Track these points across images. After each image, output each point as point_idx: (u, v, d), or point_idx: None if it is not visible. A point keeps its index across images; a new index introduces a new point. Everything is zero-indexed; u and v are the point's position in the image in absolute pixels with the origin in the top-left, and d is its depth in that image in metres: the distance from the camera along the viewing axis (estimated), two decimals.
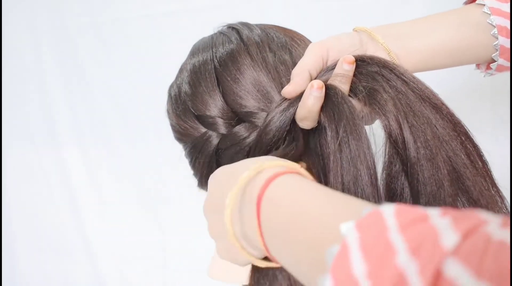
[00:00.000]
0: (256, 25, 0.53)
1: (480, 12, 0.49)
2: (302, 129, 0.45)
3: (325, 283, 0.24)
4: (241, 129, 0.47)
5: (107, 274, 1.09)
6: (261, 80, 0.47)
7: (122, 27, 1.01)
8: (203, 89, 0.49)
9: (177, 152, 0.54)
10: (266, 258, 0.38)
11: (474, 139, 0.42)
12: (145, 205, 1.06)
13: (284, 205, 0.33)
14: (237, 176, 0.37)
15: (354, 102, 0.43)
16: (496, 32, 0.48)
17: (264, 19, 0.58)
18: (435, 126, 0.41)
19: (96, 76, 1.05)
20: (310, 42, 0.53)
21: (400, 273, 0.21)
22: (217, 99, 0.48)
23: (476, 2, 0.50)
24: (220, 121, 0.48)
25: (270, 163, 0.36)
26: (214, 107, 0.48)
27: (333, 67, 0.45)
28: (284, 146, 0.45)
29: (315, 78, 0.45)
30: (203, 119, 0.49)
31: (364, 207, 0.28)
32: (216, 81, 0.48)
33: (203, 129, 0.49)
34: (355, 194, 0.39)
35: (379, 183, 0.41)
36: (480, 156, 0.42)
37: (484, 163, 0.42)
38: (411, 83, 0.42)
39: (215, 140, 0.48)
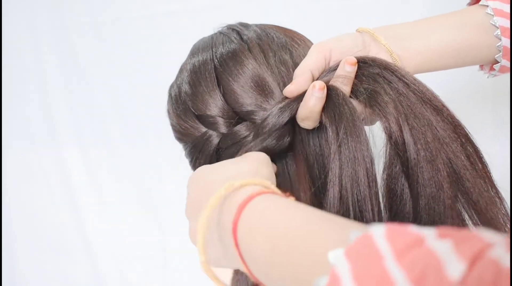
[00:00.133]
0: (256, 25, 0.53)
1: (483, 13, 0.49)
2: (301, 129, 0.45)
3: None
4: (241, 128, 0.47)
5: (107, 274, 1.09)
6: (263, 79, 0.47)
7: (122, 27, 1.01)
8: (203, 88, 0.49)
9: (177, 152, 0.54)
10: None
11: (474, 141, 0.42)
12: (145, 205, 1.06)
13: (262, 232, 0.30)
14: (210, 190, 0.36)
15: (355, 103, 0.44)
16: (499, 33, 0.48)
17: (264, 19, 0.58)
18: (435, 128, 0.41)
19: (96, 76, 1.05)
20: (311, 42, 0.53)
21: None
22: (217, 98, 0.48)
23: (480, 3, 0.50)
24: (220, 121, 0.48)
25: (241, 182, 0.35)
26: (215, 106, 0.48)
27: (335, 68, 0.45)
28: (273, 138, 0.45)
29: (317, 79, 0.46)
30: (203, 119, 0.49)
31: (350, 229, 0.26)
32: (216, 80, 0.48)
33: (204, 129, 0.49)
34: (352, 195, 0.39)
35: (378, 185, 0.41)
36: (480, 158, 0.42)
37: (484, 165, 0.42)
38: (412, 85, 0.42)
39: (215, 139, 0.48)
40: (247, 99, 0.47)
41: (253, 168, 0.39)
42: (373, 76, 0.44)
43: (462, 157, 0.41)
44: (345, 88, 0.44)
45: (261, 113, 0.46)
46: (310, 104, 0.42)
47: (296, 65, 0.48)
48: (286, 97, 0.45)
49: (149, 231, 1.06)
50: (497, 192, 0.42)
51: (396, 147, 0.41)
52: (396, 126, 0.41)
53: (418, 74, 0.47)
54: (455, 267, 0.20)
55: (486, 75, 0.55)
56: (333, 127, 0.41)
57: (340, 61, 0.45)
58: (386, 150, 0.42)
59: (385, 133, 0.42)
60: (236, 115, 0.47)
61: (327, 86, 0.43)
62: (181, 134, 0.51)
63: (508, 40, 0.48)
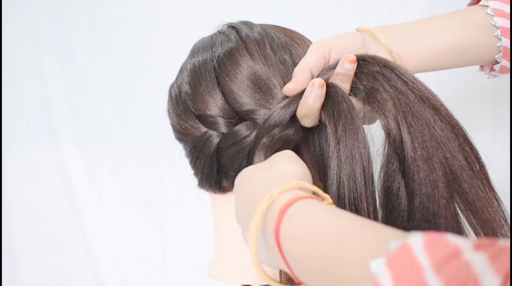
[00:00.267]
0: (256, 24, 0.53)
1: (483, 13, 0.49)
2: (303, 127, 0.45)
3: None
4: (242, 128, 0.47)
5: (107, 274, 1.09)
6: (261, 76, 0.47)
7: (122, 27, 1.01)
8: (203, 88, 0.49)
9: (177, 152, 0.54)
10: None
11: (472, 141, 0.42)
12: (145, 205, 1.06)
13: (303, 240, 0.31)
14: (253, 200, 0.36)
15: (355, 101, 0.44)
16: (499, 33, 0.48)
17: (264, 19, 0.58)
18: (433, 127, 0.41)
19: (96, 76, 1.05)
20: (310, 42, 0.54)
21: None
22: (217, 98, 0.48)
23: (480, 3, 0.50)
24: (220, 120, 0.48)
25: (278, 191, 0.35)
26: (215, 106, 0.48)
27: (334, 66, 0.45)
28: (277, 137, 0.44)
29: (316, 77, 0.46)
30: (203, 119, 0.49)
31: (390, 237, 0.26)
32: (216, 80, 0.48)
33: (204, 129, 0.49)
34: (349, 193, 0.39)
35: (374, 183, 0.41)
36: (478, 158, 0.42)
37: (482, 165, 0.42)
38: (411, 83, 0.43)
39: (215, 139, 0.48)
40: (246, 99, 0.47)
41: (288, 169, 0.39)
42: (372, 73, 0.44)
43: (460, 157, 0.41)
44: (345, 85, 0.44)
45: (262, 112, 0.46)
46: (309, 102, 0.42)
47: (295, 65, 0.48)
48: (286, 96, 0.45)
49: (149, 231, 1.06)
50: (494, 194, 0.41)
51: (394, 144, 0.41)
52: (395, 124, 0.41)
53: (417, 74, 0.47)
54: (490, 282, 0.20)
55: (486, 76, 0.55)
56: (332, 125, 0.41)
57: (340, 59, 0.45)
58: (384, 147, 0.43)
59: (384, 130, 0.42)
60: (236, 115, 0.47)
61: (326, 83, 0.43)
62: (181, 134, 0.51)
63: (508, 41, 0.48)
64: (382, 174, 0.43)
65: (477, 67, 0.55)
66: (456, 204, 0.41)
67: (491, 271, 0.21)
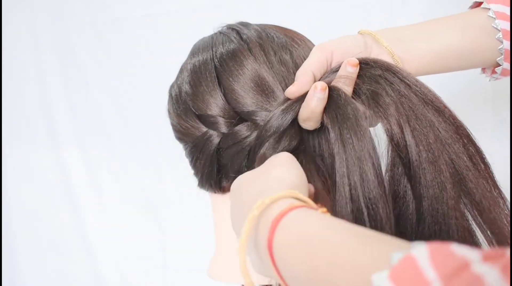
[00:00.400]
0: (256, 25, 0.53)
1: (485, 16, 0.49)
2: (303, 130, 0.45)
3: None
4: (242, 128, 0.47)
5: (107, 274, 1.09)
6: (264, 79, 0.47)
7: (122, 27, 1.01)
8: (203, 88, 0.49)
9: (177, 152, 0.54)
10: None
11: (476, 142, 0.42)
12: (145, 205, 1.06)
13: (298, 252, 0.30)
14: (245, 206, 0.36)
15: (357, 104, 0.43)
16: (501, 36, 0.48)
17: (264, 19, 0.58)
18: (437, 129, 0.41)
19: (96, 76, 1.05)
20: (311, 42, 0.53)
21: None
22: (218, 98, 0.48)
23: (481, 6, 0.50)
24: (221, 120, 0.48)
25: (271, 199, 0.34)
26: (215, 106, 0.48)
27: (337, 69, 0.45)
28: (278, 141, 0.44)
29: (319, 80, 0.46)
30: (204, 119, 0.49)
31: (392, 248, 0.25)
32: (216, 80, 0.48)
33: (204, 129, 0.49)
34: (363, 194, 0.38)
35: (385, 182, 0.40)
36: (483, 158, 0.42)
37: (486, 165, 0.42)
38: (414, 86, 0.42)
39: (216, 139, 0.48)
40: (248, 100, 0.47)
41: (283, 175, 0.39)
42: (374, 77, 0.44)
43: (465, 158, 0.41)
44: (347, 88, 0.44)
45: (263, 114, 0.46)
46: (311, 105, 0.42)
47: (296, 65, 0.48)
48: (288, 98, 0.45)
49: (149, 231, 1.06)
50: (500, 192, 0.42)
51: (398, 148, 0.41)
52: (398, 128, 0.41)
53: (420, 77, 0.47)
54: None
55: (487, 79, 0.55)
56: (336, 128, 0.41)
57: (342, 62, 0.45)
58: (388, 152, 0.42)
59: (387, 135, 0.42)
60: (237, 115, 0.47)
61: (328, 87, 0.43)
62: (182, 134, 0.51)
63: (510, 43, 0.48)
64: (388, 178, 0.42)
65: (478, 69, 0.55)
66: (463, 205, 0.41)
67: (504, 284, 0.20)
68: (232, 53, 0.49)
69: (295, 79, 0.45)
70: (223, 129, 0.48)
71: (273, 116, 0.44)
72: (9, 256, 1.13)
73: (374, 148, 0.40)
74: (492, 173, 0.42)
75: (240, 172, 0.46)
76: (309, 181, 0.43)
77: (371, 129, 0.42)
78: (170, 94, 0.54)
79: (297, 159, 0.43)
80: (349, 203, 0.39)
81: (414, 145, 0.40)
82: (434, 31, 0.49)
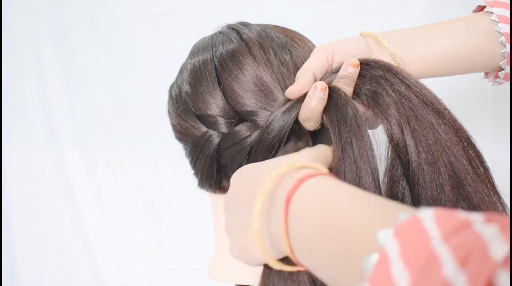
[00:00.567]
0: (256, 25, 0.53)
1: (488, 20, 0.49)
2: (305, 130, 0.45)
3: None
4: (242, 128, 0.47)
5: (107, 274, 1.09)
6: (264, 79, 0.47)
7: (121, 27, 1.01)
8: (203, 88, 0.49)
9: (177, 152, 0.54)
10: (281, 261, 0.37)
11: (476, 145, 0.42)
12: (145, 205, 1.06)
13: (316, 207, 0.31)
14: (265, 174, 0.36)
15: (357, 105, 0.43)
16: (504, 40, 0.48)
17: (264, 19, 0.58)
18: (437, 131, 0.41)
19: (96, 76, 1.05)
20: (311, 42, 0.53)
21: (447, 284, 0.21)
22: (218, 98, 0.48)
23: (485, 10, 0.50)
24: (221, 120, 0.48)
25: (302, 164, 0.36)
26: (215, 106, 0.48)
27: (337, 70, 0.45)
28: (285, 144, 0.45)
29: (319, 80, 0.46)
30: (204, 119, 0.49)
31: (400, 212, 0.27)
32: (217, 80, 0.48)
33: (204, 129, 0.49)
34: None
35: (381, 184, 0.41)
36: (482, 162, 0.41)
37: (486, 169, 0.41)
38: (415, 87, 0.42)
39: (216, 139, 0.48)
40: (248, 100, 0.47)
41: (305, 156, 0.39)
42: (375, 78, 0.44)
43: (464, 161, 0.40)
44: (348, 89, 0.44)
45: (263, 114, 0.46)
46: (311, 105, 0.42)
47: (296, 65, 0.48)
48: (288, 99, 0.45)
49: (149, 231, 1.06)
50: (499, 197, 0.41)
51: (397, 149, 0.41)
52: (398, 128, 0.41)
53: (420, 79, 0.47)
54: (498, 248, 0.21)
55: (490, 83, 0.54)
56: (335, 128, 0.41)
57: (343, 63, 0.45)
58: (387, 152, 0.42)
59: (387, 135, 0.42)
60: (237, 115, 0.47)
61: (329, 87, 0.43)
62: (182, 134, 0.51)
63: None
64: (386, 179, 0.42)
65: (481, 73, 0.55)
66: (461, 209, 0.40)
67: (501, 239, 0.21)
68: (232, 53, 0.49)
69: (296, 79, 0.45)
70: (223, 129, 0.48)
71: (275, 118, 0.44)
72: (9, 256, 1.13)
73: (371, 149, 0.40)
74: (492, 178, 0.42)
75: None
76: None
77: (370, 131, 0.42)
78: (170, 94, 0.54)
79: None
80: None
81: (414, 145, 0.40)
82: (436, 34, 0.49)
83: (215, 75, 0.49)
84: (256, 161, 0.44)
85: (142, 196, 1.06)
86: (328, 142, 0.44)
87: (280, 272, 0.39)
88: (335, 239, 0.29)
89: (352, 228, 0.28)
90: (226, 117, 0.48)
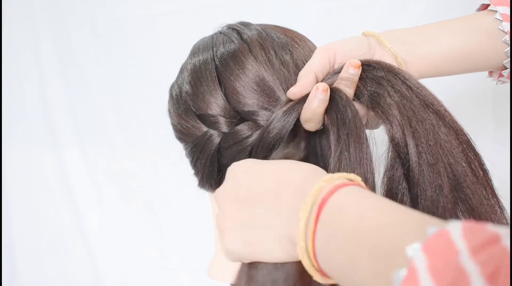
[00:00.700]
0: (257, 25, 0.53)
1: (491, 18, 0.48)
2: (306, 131, 0.45)
3: None
4: (243, 128, 0.47)
5: (107, 274, 1.09)
6: (266, 79, 0.47)
7: (122, 27, 1.01)
8: (204, 88, 0.49)
9: (177, 152, 0.54)
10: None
11: (476, 148, 0.42)
12: (145, 205, 1.06)
13: (348, 215, 0.31)
14: (297, 181, 0.36)
15: (359, 106, 0.44)
16: (507, 39, 0.47)
17: (264, 19, 0.58)
18: (437, 132, 0.41)
19: (96, 76, 1.05)
20: (311, 42, 0.53)
21: None
22: (219, 98, 0.48)
23: (488, 9, 0.49)
24: (222, 120, 0.48)
25: (339, 175, 0.36)
26: (216, 106, 0.48)
27: (339, 71, 0.45)
28: (286, 145, 0.45)
29: (321, 81, 0.46)
30: (204, 118, 0.49)
31: (428, 224, 0.27)
32: (217, 80, 0.48)
33: (205, 128, 0.49)
34: None
35: (376, 188, 0.41)
36: (481, 165, 0.41)
37: (485, 172, 0.41)
38: (416, 88, 0.42)
39: (216, 139, 0.48)
40: (249, 99, 0.47)
41: (312, 166, 0.39)
42: (377, 79, 0.44)
43: (463, 163, 0.40)
44: (349, 90, 0.44)
45: (264, 113, 0.46)
46: (313, 106, 0.42)
47: (296, 65, 0.48)
48: (290, 99, 0.45)
49: (149, 231, 1.06)
50: (497, 200, 0.41)
51: (398, 149, 0.41)
52: (399, 129, 0.41)
53: (421, 79, 0.47)
54: None
55: (494, 82, 0.54)
56: (335, 130, 0.41)
57: (345, 63, 0.45)
58: (388, 153, 0.42)
59: (387, 135, 0.42)
60: (238, 115, 0.47)
61: (330, 88, 0.43)
62: (182, 134, 0.51)
63: None
64: (386, 179, 0.42)
65: (478, 72, 0.55)
66: (459, 211, 0.40)
67: None
68: (232, 53, 0.49)
69: (298, 80, 0.45)
70: (224, 128, 0.48)
71: (275, 118, 0.44)
72: (9, 256, 1.13)
73: (368, 153, 0.40)
74: (491, 181, 0.41)
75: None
76: None
77: (368, 132, 0.42)
78: (171, 94, 0.54)
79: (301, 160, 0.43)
80: None
81: (415, 146, 0.40)
82: (438, 33, 0.49)
83: (215, 74, 0.49)
84: None
85: (142, 196, 1.06)
86: (328, 142, 0.44)
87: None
88: (363, 247, 0.29)
89: (381, 239, 0.28)
90: (227, 116, 0.48)
